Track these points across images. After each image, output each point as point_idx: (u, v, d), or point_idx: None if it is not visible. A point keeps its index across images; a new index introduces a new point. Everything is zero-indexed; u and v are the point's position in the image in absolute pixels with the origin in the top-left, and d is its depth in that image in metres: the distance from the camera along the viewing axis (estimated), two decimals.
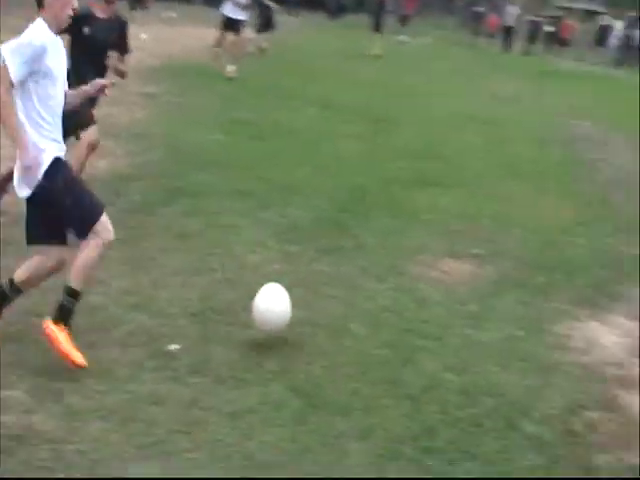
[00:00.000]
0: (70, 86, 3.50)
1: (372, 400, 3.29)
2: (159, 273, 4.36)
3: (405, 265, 4.92)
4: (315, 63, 15.22)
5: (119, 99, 9.37)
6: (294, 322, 3.72)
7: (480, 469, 2.89)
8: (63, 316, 3.20)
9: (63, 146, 3.38)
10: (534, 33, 28.32)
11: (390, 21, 32.18)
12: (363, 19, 18.39)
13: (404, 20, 26.52)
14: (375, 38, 18.24)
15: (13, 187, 3.38)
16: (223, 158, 6.99)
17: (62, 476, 2.58)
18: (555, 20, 28.36)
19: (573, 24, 28.19)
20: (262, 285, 3.73)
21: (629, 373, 3.83)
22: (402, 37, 24.01)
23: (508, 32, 28.42)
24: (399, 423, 3.12)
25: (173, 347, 3.51)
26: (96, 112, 5.34)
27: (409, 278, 4.73)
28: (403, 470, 2.82)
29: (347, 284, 4.52)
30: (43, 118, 3.21)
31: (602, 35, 27.66)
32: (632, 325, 4.40)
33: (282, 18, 21.32)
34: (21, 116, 3.16)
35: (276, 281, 3.81)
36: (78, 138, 5.04)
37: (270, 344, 3.65)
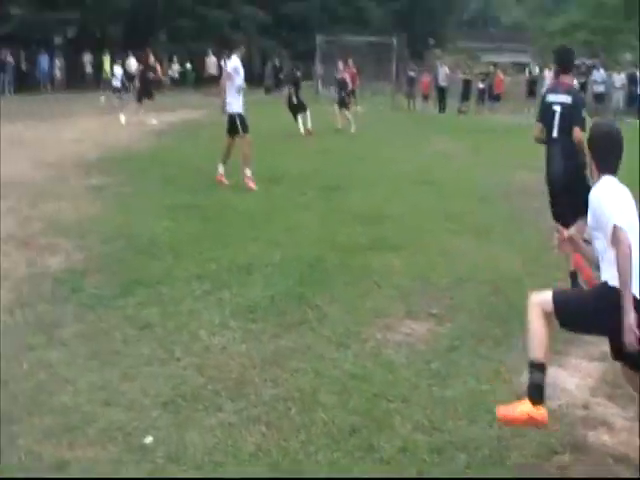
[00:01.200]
0: None
1: (350, 469, 3.34)
2: (126, 365, 4.36)
3: (368, 330, 5.01)
4: (256, 138, 15.54)
5: (65, 193, 9.46)
6: (266, 400, 3.76)
7: None
8: None
9: None
10: (467, 91, 29.37)
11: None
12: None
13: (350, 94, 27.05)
14: (339, 112, 18.80)
15: None
16: (174, 244, 7.04)
17: None
18: (486, 76, 29.43)
19: (503, 78, 29.29)
20: (230, 366, 3.78)
21: (594, 413, 3.97)
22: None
23: (442, 92, 29.44)
24: None
25: (148, 440, 3.51)
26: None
27: (373, 343, 4.82)
28: None
29: (313, 355, 4.58)
30: None
31: (532, 86, 28.72)
32: (591, 366, 4.56)
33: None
34: None
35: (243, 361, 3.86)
36: None
37: (245, 425, 3.69)
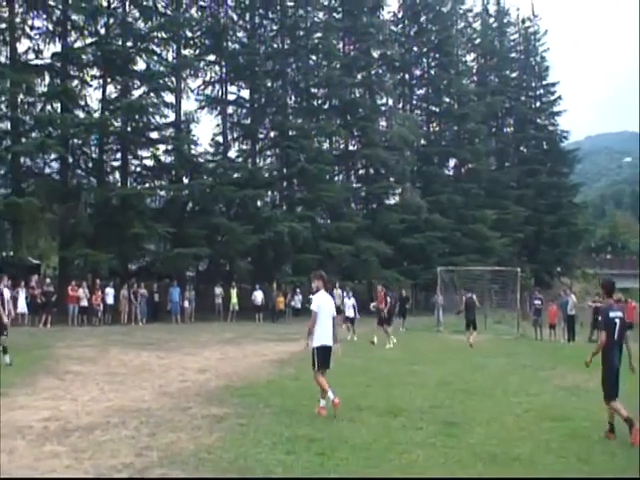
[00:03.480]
0: None
1: None
2: None
3: None
4: (375, 367, 15.45)
5: (184, 423, 9.54)
6: None
7: None
8: None
9: None
10: (596, 319, 28.52)
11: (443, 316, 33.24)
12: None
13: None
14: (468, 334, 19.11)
15: None
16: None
17: None
18: (620, 303, 28.62)
19: (636, 306, 28.41)
20: None
21: None
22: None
23: (571, 321, 28.67)
24: None
25: None
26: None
27: None
28: None
29: None
30: None
31: None
32: None
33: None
34: None
35: None
36: None
37: None
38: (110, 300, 31.78)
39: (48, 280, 32.85)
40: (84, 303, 30.71)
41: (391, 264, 45.36)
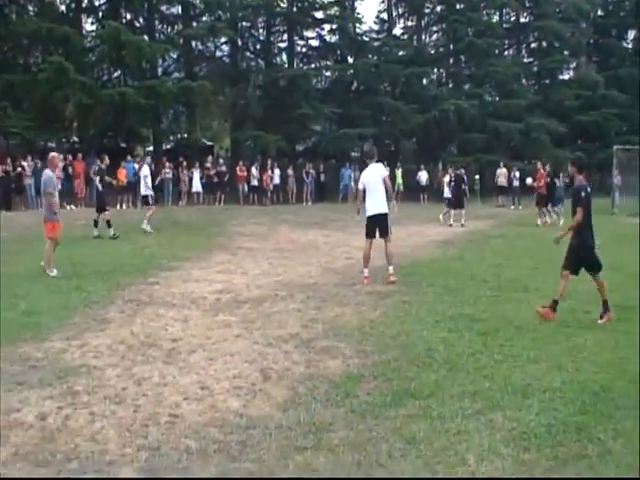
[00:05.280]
0: None
1: None
2: None
3: None
4: (542, 250, 15.00)
5: (349, 298, 9.84)
6: None
7: None
8: None
9: None
10: None
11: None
12: None
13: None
14: None
15: None
16: (449, 356, 6.91)
17: None
18: None
19: None
20: None
21: None
22: None
23: None
24: None
25: None
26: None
27: None
28: None
29: None
30: None
31: None
32: None
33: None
34: None
35: None
36: None
37: None
38: (276, 180, 32.78)
39: (221, 161, 34.34)
40: (254, 183, 31.91)
41: (563, 143, 43.02)
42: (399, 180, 34.80)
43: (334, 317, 8.70)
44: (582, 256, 8.85)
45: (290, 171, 33.58)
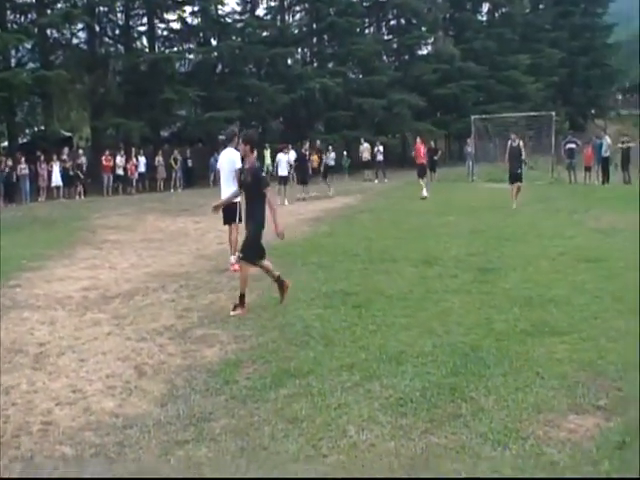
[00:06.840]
0: None
1: None
2: (272, 464, 4.25)
3: (528, 427, 4.60)
4: (407, 219, 15.47)
5: (222, 284, 9.74)
6: None
7: None
8: None
9: None
10: (626, 160, 27.98)
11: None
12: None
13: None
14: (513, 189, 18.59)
15: None
16: (325, 332, 6.98)
17: None
18: None
19: None
20: (379, 468, 3.55)
21: None
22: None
23: (605, 163, 28.22)
24: None
25: None
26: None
27: (533, 441, 4.40)
28: None
29: (467, 455, 4.25)
30: None
31: None
32: None
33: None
34: None
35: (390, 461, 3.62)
36: None
37: None
38: (142, 168, 31.93)
39: (80, 151, 33.08)
40: (120, 172, 30.94)
41: (424, 116, 44.51)
42: (267, 161, 34.74)
43: (209, 304, 8.59)
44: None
45: (160, 158, 32.78)
